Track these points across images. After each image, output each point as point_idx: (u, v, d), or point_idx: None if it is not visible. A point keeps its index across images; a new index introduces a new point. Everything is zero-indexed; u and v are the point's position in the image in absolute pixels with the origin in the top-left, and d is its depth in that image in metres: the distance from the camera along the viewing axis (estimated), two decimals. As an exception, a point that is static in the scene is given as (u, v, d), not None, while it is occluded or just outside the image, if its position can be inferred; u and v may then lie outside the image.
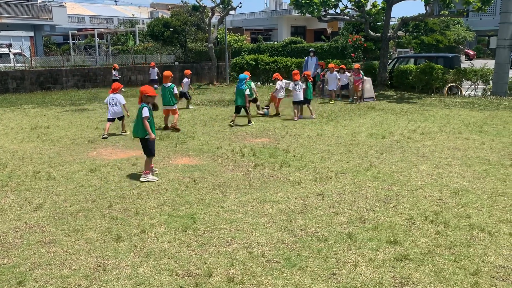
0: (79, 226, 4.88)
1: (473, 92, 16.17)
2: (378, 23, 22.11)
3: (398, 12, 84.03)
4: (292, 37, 27.35)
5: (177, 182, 6.42)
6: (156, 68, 20.12)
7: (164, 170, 7.07)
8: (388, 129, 10.15)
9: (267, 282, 3.69)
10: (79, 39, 39.98)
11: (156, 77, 19.72)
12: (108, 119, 9.99)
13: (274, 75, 13.13)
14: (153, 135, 6.51)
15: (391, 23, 20.33)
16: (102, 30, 39.95)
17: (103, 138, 9.59)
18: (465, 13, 17.41)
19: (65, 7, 32.64)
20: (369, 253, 4.16)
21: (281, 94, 12.44)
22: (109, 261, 4.09)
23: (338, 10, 18.29)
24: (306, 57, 18.30)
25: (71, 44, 31.88)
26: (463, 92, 16.39)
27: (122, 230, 4.76)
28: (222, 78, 23.90)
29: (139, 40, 31.08)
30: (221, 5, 22.59)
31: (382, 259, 4.04)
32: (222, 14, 23.24)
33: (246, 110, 10.95)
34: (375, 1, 18.61)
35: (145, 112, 6.42)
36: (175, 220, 5.02)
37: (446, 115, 11.82)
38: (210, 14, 23.10)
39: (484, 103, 13.88)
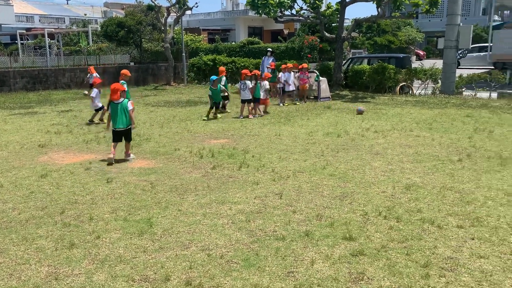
0: (29, 235, 4.68)
1: (423, 91, 16.84)
2: (333, 24, 22.58)
3: (351, 13, 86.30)
4: (250, 38, 27.42)
5: (133, 185, 6.29)
6: (95, 73, 18.38)
7: (119, 173, 6.90)
8: (343, 128, 10.39)
9: (226, 283, 3.68)
10: (28, 39, 38.24)
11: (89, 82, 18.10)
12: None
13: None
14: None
15: (345, 24, 20.81)
16: (53, 30, 38.40)
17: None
18: (414, 15, 18.15)
19: (12, 5, 31.16)
20: (326, 249, 4.24)
21: (262, 94, 12.59)
22: (62, 270, 3.94)
23: (293, 11, 18.52)
24: (264, 57, 18.44)
25: (19, 44, 30.45)
26: (414, 91, 17.03)
27: (75, 237, 4.60)
28: (179, 79, 23.61)
29: (92, 40, 30.16)
30: (177, 5, 22.32)
31: (338, 255, 4.13)
32: (178, 14, 22.96)
33: (217, 106, 11.97)
34: (329, 2, 19.01)
35: (130, 105, 7.59)
36: (131, 224, 4.91)
37: (398, 114, 12.25)
38: (165, 14, 22.76)
39: (433, 102, 14.49)
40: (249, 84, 12.07)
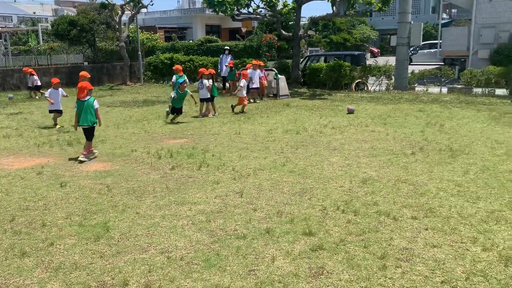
0: (-25, 245, 4.42)
1: (377, 87, 17.31)
2: (290, 23, 22.82)
3: (308, 12, 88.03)
4: (208, 36, 27.21)
5: (88, 189, 6.08)
6: (35, 75, 17.18)
7: (74, 177, 6.66)
8: (302, 125, 10.52)
9: (186, 285, 3.63)
10: (-29, 39, 36.19)
11: (32, 85, 17.04)
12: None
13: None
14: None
15: (301, 22, 21.07)
16: (0, 28, 36.58)
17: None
18: (368, 13, 18.60)
19: (-47, 2, 29.33)
20: (286, 246, 4.27)
21: (243, 92, 12.54)
22: (12, 280, 3.75)
23: (250, 10, 18.55)
24: (221, 55, 18.37)
25: (-38, 43, 28.74)
26: (369, 88, 17.49)
27: (27, 245, 4.39)
28: (136, 78, 23.11)
29: (43, 39, 28.93)
30: (131, 3, 21.81)
31: (298, 251, 4.17)
32: (132, 12, 22.44)
33: (179, 111, 11.24)
34: (285, 1, 19.16)
35: (96, 104, 7.70)
36: (86, 230, 4.74)
37: (354, 110, 12.52)
38: (120, 12, 22.19)
39: (387, 97, 14.94)
40: (207, 82, 11.97)
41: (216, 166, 7.06)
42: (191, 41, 27.21)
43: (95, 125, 7.79)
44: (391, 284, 3.58)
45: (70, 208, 5.38)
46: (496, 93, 15.16)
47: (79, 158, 7.58)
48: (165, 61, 21.27)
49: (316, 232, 4.55)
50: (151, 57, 22.51)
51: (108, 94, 18.55)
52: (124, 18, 23.52)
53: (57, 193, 5.95)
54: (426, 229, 4.58)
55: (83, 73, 10.33)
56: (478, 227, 4.59)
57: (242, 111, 12.46)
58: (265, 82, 15.16)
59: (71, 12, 37.94)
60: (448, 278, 3.65)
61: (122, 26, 22.54)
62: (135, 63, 23.18)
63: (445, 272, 3.74)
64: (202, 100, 12.03)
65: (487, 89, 15.36)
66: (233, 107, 12.67)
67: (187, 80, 13.03)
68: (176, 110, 11.17)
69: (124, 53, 22.00)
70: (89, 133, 7.78)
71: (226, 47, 18.97)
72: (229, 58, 17.59)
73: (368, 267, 3.84)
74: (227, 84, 17.58)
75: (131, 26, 24.39)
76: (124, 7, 22.07)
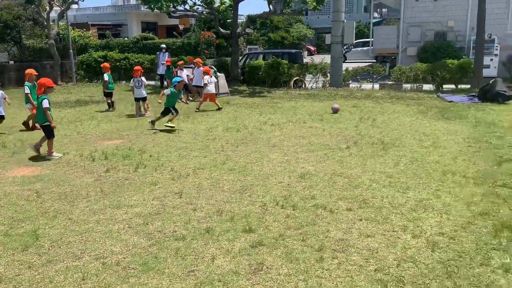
0: None
1: (314, 85, 17.78)
2: (228, 20, 22.78)
3: (245, 9, 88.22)
4: (144, 33, 26.49)
5: (15, 196, 5.69)
6: None
7: (-1, 184, 6.21)
8: (242, 122, 10.55)
9: (123, 291, 3.50)
10: None
11: None
12: None
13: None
14: (53, 124, 7.67)
15: (239, 20, 21.13)
16: None
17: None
18: (304, 12, 19.05)
19: None
20: (226, 244, 4.26)
21: (211, 88, 12.32)
22: None
23: (187, 7, 18.30)
24: (158, 52, 17.98)
25: None
26: (307, 85, 17.92)
27: None
28: (67, 78, 21.98)
29: (-39, 36, 26.67)
30: (60, -1, 20.73)
31: (238, 248, 4.17)
32: (62, 8, 21.32)
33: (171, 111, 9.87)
34: (222, -2, 19.12)
35: (45, 103, 7.47)
36: (13, 239, 4.44)
37: (293, 107, 12.79)
38: (48, 8, 20.99)
39: (324, 94, 15.38)
40: (145, 81, 11.73)
41: (153, 167, 6.89)
42: (126, 39, 26.34)
43: (47, 123, 7.62)
44: (328, 275, 3.68)
45: (-6, 217, 5.01)
46: (423, 88, 16.12)
47: (46, 157, 7.56)
48: (99, 59, 20.42)
49: (256, 229, 4.57)
50: (83, 55, 21.51)
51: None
52: (54, 14, 22.29)
53: (-21, 202, 5.52)
54: (360, 220, 4.76)
55: (29, 70, 10.04)
56: (408, 216, 4.85)
57: (219, 108, 12.37)
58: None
59: (-7, 7, 35.31)
60: (381, 266, 3.82)
61: (51, 23, 21.34)
62: (66, 61, 22.04)
63: (378, 260, 3.91)
64: (138, 99, 11.71)
65: (415, 85, 16.28)
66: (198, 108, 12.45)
67: (108, 76, 12.58)
68: (171, 110, 9.83)
69: (54, 51, 20.85)
70: (45, 131, 7.66)
71: (163, 45, 18.58)
72: (166, 56, 17.25)
73: (306, 260, 3.93)
74: (165, 82, 17.23)
75: (61, 23, 23.15)
76: (52, 2, 20.91)
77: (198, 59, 15.17)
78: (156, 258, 4.01)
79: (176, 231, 4.57)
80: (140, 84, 11.58)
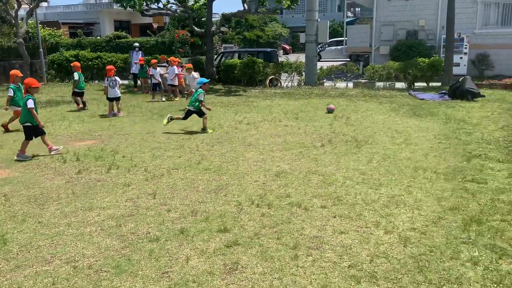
0: None
1: (290, 83, 17.87)
2: (203, 19, 22.62)
3: (219, 8, 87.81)
4: (116, 32, 26.04)
5: (-19, 200, 5.51)
6: None
7: (-36, 188, 5.99)
8: (217, 121, 10.50)
9: (94, 295, 3.43)
10: None
11: None
12: None
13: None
14: (41, 123, 7.60)
15: (214, 19, 21.01)
16: None
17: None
18: (278, 11, 19.11)
19: None
20: (201, 244, 4.23)
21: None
22: None
23: (160, 5, 18.10)
24: (131, 51, 17.72)
25: None
26: (282, 84, 17.99)
27: None
28: (38, 77, 21.39)
29: None
30: (29, -4, 20.17)
31: (213, 248, 4.15)
32: (31, 6, 20.74)
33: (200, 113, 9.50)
34: (196, -4, 18.98)
35: (30, 103, 7.35)
36: (-21, 245, 4.29)
37: (268, 105, 12.81)
38: (16, 6, 20.39)
39: (299, 93, 15.47)
40: (120, 80, 11.57)
41: (127, 168, 6.79)
42: (98, 37, 25.84)
43: (28, 124, 7.51)
44: (302, 273, 3.70)
45: (-41, 222, 4.83)
46: (396, 86, 16.41)
47: (16, 158, 7.44)
48: (71, 58, 19.96)
49: (231, 228, 4.56)
50: (54, 54, 21.00)
51: (6, 95, 16.95)
52: (22, 12, 21.66)
53: None
54: (334, 217, 4.81)
55: (14, 71, 9.81)
56: (380, 212, 4.92)
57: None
58: (182, 80, 14.88)
59: (-42, 4, 34.08)
60: (355, 262, 3.86)
61: (20, 21, 20.75)
62: (36, 61, 21.47)
63: (352, 257, 3.95)
64: (111, 99, 11.52)
65: (388, 83, 16.57)
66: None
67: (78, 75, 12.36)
68: (198, 113, 9.45)
69: (23, 50, 20.30)
70: (25, 131, 7.60)
71: (136, 44, 18.32)
72: (139, 54, 17.02)
73: (281, 258, 3.94)
74: (138, 82, 17.00)
75: (30, 21, 22.53)
76: (20, 0, 20.32)
77: (172, 58, 15.04)
78: (129, 261, 3.94)
79: (149, 233, 4.51)
80: (114, 83, 11.41)
